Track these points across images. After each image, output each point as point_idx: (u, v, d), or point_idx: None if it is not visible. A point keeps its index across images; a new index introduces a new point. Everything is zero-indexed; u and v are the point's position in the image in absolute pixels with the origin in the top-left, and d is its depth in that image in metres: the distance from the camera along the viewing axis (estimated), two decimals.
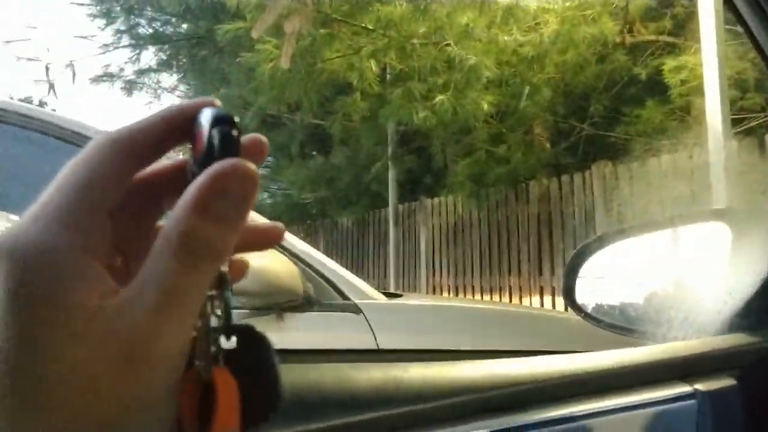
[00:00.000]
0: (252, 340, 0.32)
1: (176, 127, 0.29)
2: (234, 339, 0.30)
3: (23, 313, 0.24)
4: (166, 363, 0.26)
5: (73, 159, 0.28)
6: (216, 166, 0.25)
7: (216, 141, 0.26)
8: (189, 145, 0.30)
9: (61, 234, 0.26)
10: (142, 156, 0.29)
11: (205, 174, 0.25)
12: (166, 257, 0.25)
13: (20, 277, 0.24)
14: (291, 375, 0.46)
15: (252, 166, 0.25)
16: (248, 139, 0.29)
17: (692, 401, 0.63)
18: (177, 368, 0.28)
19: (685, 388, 0.64)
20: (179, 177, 0.30)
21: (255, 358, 0.32)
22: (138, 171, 0.30)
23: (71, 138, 1.74)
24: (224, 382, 0.29)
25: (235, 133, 0.27)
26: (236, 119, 0.27)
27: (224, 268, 0.30)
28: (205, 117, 0.28)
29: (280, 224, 0.34)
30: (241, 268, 0.33)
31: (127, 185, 0.29)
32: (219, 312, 0.30)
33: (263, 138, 0.30)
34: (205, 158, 0.26)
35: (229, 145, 0.26)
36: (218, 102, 0.29)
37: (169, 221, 0.26)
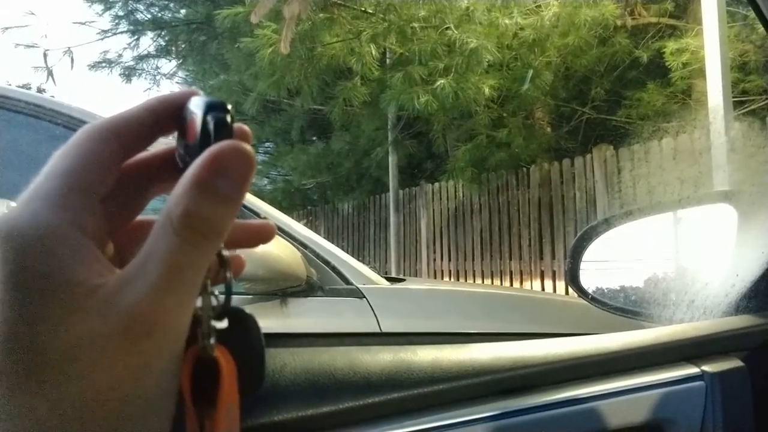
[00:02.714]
0: (241, 321, 0.34)
1: (163, 116, 0.30)
2: (226, 319, 0.32)
3: (24, 292, 0.25)
4: (168, 339, 0.27)
5: (63, 146, 0.29)
6: (215, 147, 0.26)
7: (211, 126, 0.27)
8: (176, 134, 0.31)
9: (54, 214, 0.26)
10: (129, 144, 0.30)
11: (205, 154, 0.26)
12: (168, 234, 0.26)
13: (18, 258, 0.25)
14: (301, 358, 0.46)
15: (249, 147, 0.26)
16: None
17: (700, 383, 0.63)
18: (179, 344, 0.28)
19: (692, 370, 0.64)
20: (165, 166, 0.31)
21: (244, 339, 0.34)
22: (126, 159, 0.30)
23: (71, 124, 1.74)
24: (227, 360, 0.30)
25: (228, 118, 0.28)
26: (229, 106, 0.28)
27: (225, 252, 0.31)
28: (196, 104, 0.29)
29: (270, 222, 0.35)
30: (239, 264, 0.35)
31: (115, 173, 0.30)
32: (217, 292, 0.31)
33: (245, 127, 0.30)
34: (201, 143, 0.27)
35: (224, 130, 0.27)
36: (200, 93, 0.30)
37: (170, 200, 0.26)
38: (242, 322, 0.34)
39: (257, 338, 0.34)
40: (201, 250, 0.26)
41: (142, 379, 0.26)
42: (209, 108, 0.28)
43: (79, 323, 0.25)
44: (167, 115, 0.30)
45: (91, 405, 0.25)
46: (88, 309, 0.25)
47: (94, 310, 0.25)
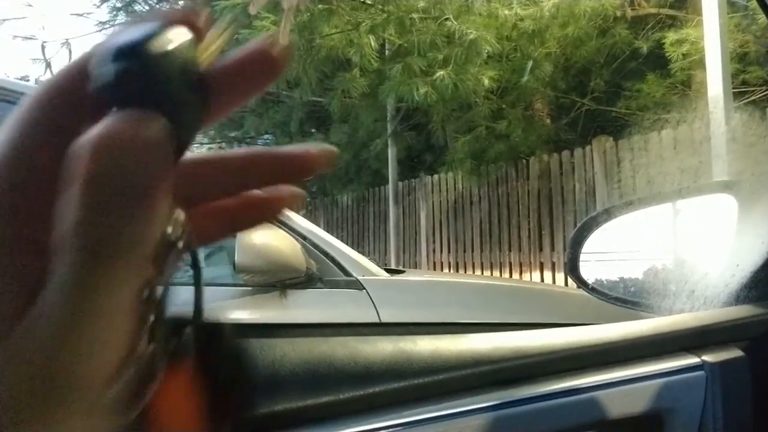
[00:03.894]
0: (208, 330, 0.26)
1: None
2: (188, 332, 0.25)
3: None
4: (95, 385, 0.20)
5: (5, 119, 0.21)
6: (101, 126, 0.19)
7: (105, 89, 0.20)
8: None
9: None
10: (88, 106, 0.21)
11: (87, 137, 0.19)
12: (65, 257, 0.19)
13: None
14: (300, 348, 0.46)
15: (154, 120, 0.19)
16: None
17: (700, 372, 0.63)
18: (116, 389, 0.21)
19: (693, 360, 0.64)
20: None
21: (212, 350, 0.27)
22: (88, 127, 0.20)
23: None
24: (172, 383, 0.24)
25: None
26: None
27: (170, 228, 0.22)
28: None
29: (330, 147, 0.26)
30: (292, 198, 0.26)
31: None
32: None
33: (332, 148, 0.24)
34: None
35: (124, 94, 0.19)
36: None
37: (60, 210, 0.19)
38: (208, 333, 0.26)
39: (229, 350, 0.27)
40: (109, 271, 0.19)
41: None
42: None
43: None
44: None
45: None
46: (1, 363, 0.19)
47: (5, 364, 0.19)
